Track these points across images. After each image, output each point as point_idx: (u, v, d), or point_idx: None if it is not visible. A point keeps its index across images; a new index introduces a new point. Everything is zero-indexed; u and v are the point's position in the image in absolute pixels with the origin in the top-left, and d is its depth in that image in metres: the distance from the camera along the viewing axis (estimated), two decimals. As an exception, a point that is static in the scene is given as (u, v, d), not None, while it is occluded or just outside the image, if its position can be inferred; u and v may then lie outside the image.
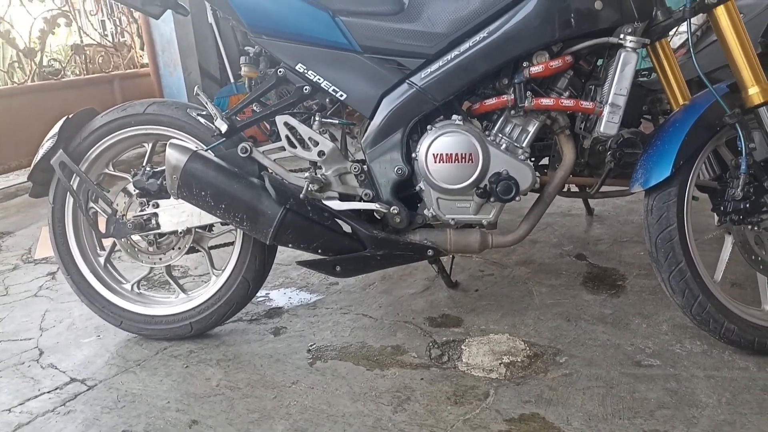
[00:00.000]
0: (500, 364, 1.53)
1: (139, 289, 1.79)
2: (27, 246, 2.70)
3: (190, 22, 4.79)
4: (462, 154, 1.43)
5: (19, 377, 1.62)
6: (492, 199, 1.47)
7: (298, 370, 1.56)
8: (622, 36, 1.37)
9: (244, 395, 1.47)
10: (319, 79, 1.50)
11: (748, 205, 1.42)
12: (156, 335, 1.73)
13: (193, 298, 1.71)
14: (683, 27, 1.45)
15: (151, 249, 1.69)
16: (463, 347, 1.62)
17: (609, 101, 1.40)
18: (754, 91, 1.38)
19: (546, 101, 1.43)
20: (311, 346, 1.67)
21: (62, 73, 4.40)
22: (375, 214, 1.54)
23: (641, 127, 1.95)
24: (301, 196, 1.43)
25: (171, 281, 1.77)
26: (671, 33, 1.71)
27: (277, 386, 1.49)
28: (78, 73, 4.71)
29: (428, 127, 1.47)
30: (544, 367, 1.51)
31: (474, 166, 1.44)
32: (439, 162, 1.44)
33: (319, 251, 1.52)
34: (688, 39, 1.48)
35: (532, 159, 2.12)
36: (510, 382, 1.45)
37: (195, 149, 1.49)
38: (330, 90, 1.50)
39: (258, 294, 1.98)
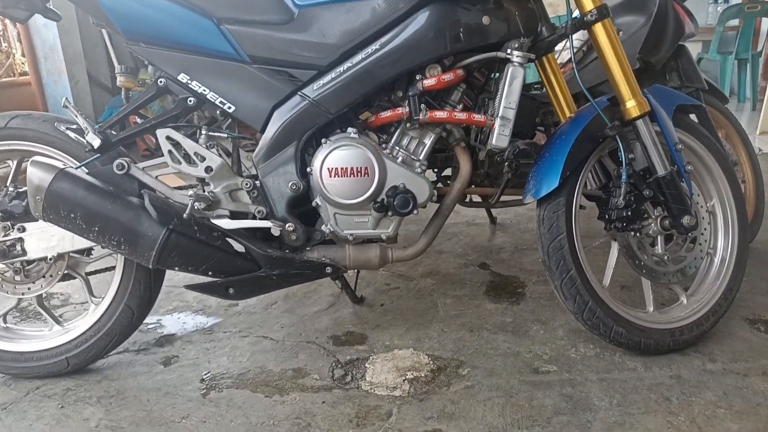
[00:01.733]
0: (404, 380, 1.50)
1: (5, 323, 1.59)
2: None
3: (77, 28, 4.45)
4: (358, 168, 1.40)
5: None
6: (390, 213, 1.44)
7: (189, 403, 1.44)
8: (509, 51, 1.40)
9: (127, 435, 1.34)
10: (204, 90, 1.41)
11: (629, 213, 1.49)
12: (27, 374, 1.55)
13: (70, 330, 1.55)
14: (569, 43, 1.51)
15: (17, 278, 1.51)
16: (367, 365, 1.58)
17: (499, 114, 1.42)
18: (631, 105, 1.45)
19: (440, 114, 1.43)
20: (205, 375, 1.56)
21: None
22: (271, 231, 1.47)
23: (536, 139, 2.02)
24: (185, 215, 1.33)
25: (43, 312, 1.59)
26: (557, 48, 1.78)
27: (165, 422, 1.37)
28: (-54, 81, 4.24)
29: (323, 140, 1.43)
30: (447, 380, 1.50)
31: (370, 179, 1.41)
32: (335, 176, 1.40)
33: (210, 273, 1.42)
34: (571, 55, 1.55)
35: (435, 170, 2.14)
36: (413, 398, 1.43)
37: (62, 167, 1.35)
38: (217, 102, 1.41)
39: (148, 321, 1.84)
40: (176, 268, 1.41)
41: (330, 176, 1.40)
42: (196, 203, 1.36)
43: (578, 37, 2.11)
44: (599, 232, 2.37)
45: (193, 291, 1.46)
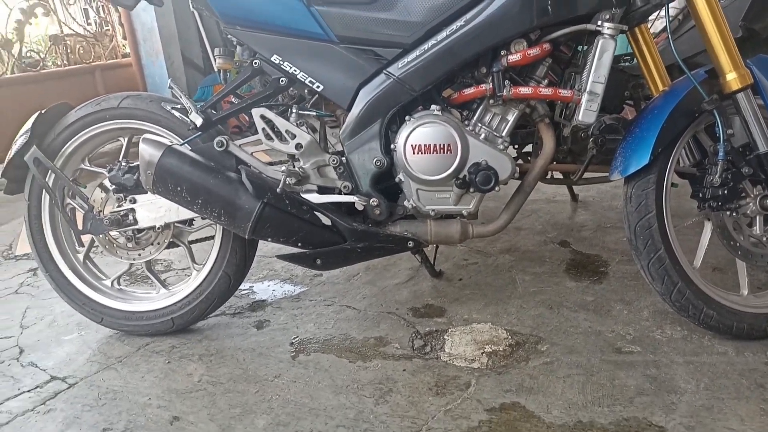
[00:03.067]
0: (482, 353, 1.53)
1: (119, 285, 1.77)
2: (8, 242, 2.67)
3: (172, 11, 4.71)
4: (441, 145, 1.42)
5: None
6: (471, 190, 1.46)
7: (280, 364, 1.55)
8: (599, 23, 1.35)
9: (226, 390, 1.46)
10: (295, 71, 1.47)
11: (726, 192, 1.42)
12: (137, 331, 1.72)
13: (174, 294, 1.70)
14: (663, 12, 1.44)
15: (129, 245, 1.67)
16: (445, 337, 1.63)
17: (587, 89, 1.39)
18: (731, 77, 1.37)
19: (524, 90, 1.42)
20: (294, 339, 1.67)
21: (41, 64, 4.32)
22: (356, 206, 1.53)
23: (624, 113, 1.95)
24: (278, 189, 1.42)
25: (151, 277, 1.75)
26: (650, 18, 1.70)
27: (260, 380, 1.49)
28: (59, 64, 4.64)
29: (407, 117, 1.46)
30: (525, 355, 1.52)
31: (453, 156, 1.43)
32: (418, 153, 1.43)
33: (299, 244, 1.51)
34: (666, 24, 1.47)
35: (516, 146, 2.12)
36: (491, 371, 1.46)
37: (169, 144, 1.47)
38: (306, 81, 1.48)
39: (241, 287, 1.98)
40: (269, 239, 1.50)
41: (413, 153, 1.43)
42: (288, 178, 1.44)
43: (674, 5, 2.00)
44: (691, 211, 2.27)
45: (283, 261, 1.55)
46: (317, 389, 1.44)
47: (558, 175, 2.21)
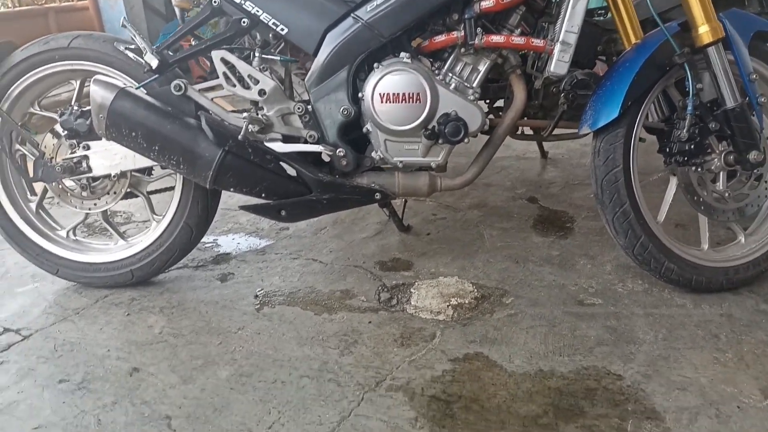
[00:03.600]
0: (448, 306, 1.54)
1: (75, 235, 1.71)
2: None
3: (131, -50, 4.44)
4: (410, 94, 1.38)
5: (-51, 329, 1.54)
6: (440, 141, 1.43)
7: (244, 316, 1.53)
8: (574, -31, 1.31)
9: (187, 342, 1.44)
10: (257, 11, 1.40)
11: (692, 147, 1.42)
12: (95, 283, 1.67)
13: (134, 245, 1.65)
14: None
15: (84, 194, 1.60)
16: (412, 290, 1.62)
17: (560, 39, 1.36)
18: (703, 30, 1.36)
19: (496, 38, 1.38)
20: (259, 291, 1.65)
21: (-12, 4, 4.05)
22: (322, 156, 1.49)
23: (596, 69, 1.93)
24: (240, 137, 1.36)
25: (109, 227, 1.69)
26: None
27: (223, 332, 1.47)
28: (9, 5, 4.35)
29: (375, 65, 1.41)
30: (490, 308, 1.53)
31: (422, 106, 1.39)
32: (386, 102, 1.39)
33: (263, 195, 1.47)
34: (642, -25, 1.44)
35: (487, 101, 2.09)
36: (456, 323, 1.47)
37: (123, 86, 1.39)
38: (270, 23, 1.40)
39: (205, 240, 1.93)
40: (231, 189, 1.46)
41: (381, 102, 1.39)
42: (250, 125, 1.39)
43: (651, -44, 1.95)
44: (657, 167, 2.29)
45: (247, 212, 1.51)
46: (281, 341, 1.42)
47: (528, 131, 2.19)
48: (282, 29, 1.41)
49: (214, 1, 1.42)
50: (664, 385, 1.23)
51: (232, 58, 1.41)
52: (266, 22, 1.40)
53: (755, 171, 1.49)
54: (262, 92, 1.42)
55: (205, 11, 1.44)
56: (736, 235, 1.57)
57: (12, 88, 1.56)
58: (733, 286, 1.53)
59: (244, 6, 1.39)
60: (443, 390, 1.24)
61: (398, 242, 1.91)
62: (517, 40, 1.39)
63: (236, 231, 2.04)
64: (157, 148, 1.38)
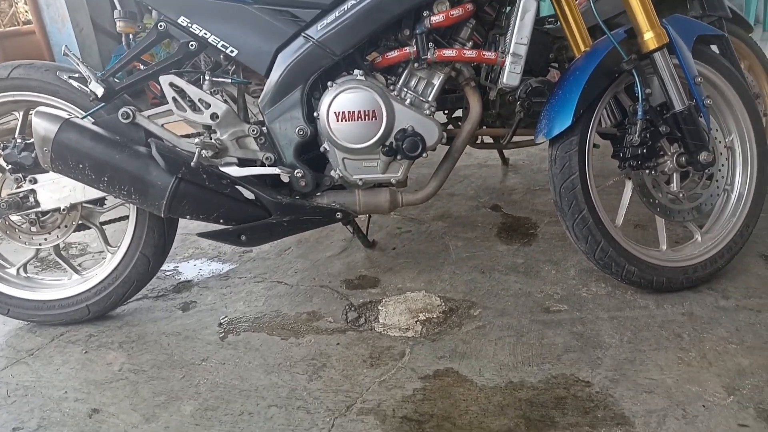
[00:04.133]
0: (416, 321, 1.53)
1: (26, 272, 1.63)
2: None
3: (77, -28, 4.34)
4: (365, 111, 1.37)
5: None
6: (399, 157, 1.42)
7: (208, 346, 1.49)
8: (520, -18, 1.33)
9: (149, 378, 1.38)
10: (206, 34, 1.37)
11: (645, 150, 1.45)
12: (50, 321, 1.60)
13: (88, 279, 1.59)
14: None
15: (33, 229, 1.53)
16: (379, 308, 1.61)
17: (510, 51, 1.37)
18: (648, 36, 1.39)
19: (448, 52, 1.38)
20: (223, 319, 1.60)
21: (-72, 32, 3.89)
22: (280, 178, 1.46)
23: (549, 75, 1.96)
24: (193, 163, 1.32)
25: (61, 262, 1.62)
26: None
27: (186, 365, 1.42)
28: (-50, 32, 4.20)
29: (329, 83, 1.39)
30: (458, 321, 1.52)
31: (378, 123, 1.38)
32: (342, 120, 1.37)
33: (221, 221, 1.43)
34: (586, -16, 1.47)
35: (445, 112, 2.10)
36: (425, 339, 1.45)
37: (67, 117, 1.34)
38: (219, 45, 1.38)
39: (165, 267, 1.88)
40: (188, 217, 1.42)
41: (337, 120, 1.37)
42: (204, 151, 1.35)
43: (595, -35, 1.99)
44: (613, 171, 2.34)
45: (206, 239, 1.47)
46: (248, 370, 1.38)
47: (488, 140, 2.21)
48: (232, 51, 1.38)
49: (160, 25, 1.38)
50: (631, 389, 1.24)
51: (181, 83, 1.38)
52: (215, 44, 1.38)
53: (706, 171, 1.52)
54: (214, 116, 1.38)
55: (151, 35, 1.40)
56: (693, 234, 1.61)
57: (-50, 123, 1.49)
58: (692, 285, 1.56)
59: (191, 29, 1.36)
60: (415, 410, 1.22)
61: (364, 259, 1.89)
62: (469, 53, 1.39)
63: (197, 256, 1.99)
64: (106, 179, 1.33)
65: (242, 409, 1.26)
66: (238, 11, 1.37)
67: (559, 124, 1.42)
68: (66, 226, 1.54)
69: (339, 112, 1.37)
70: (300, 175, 1.43)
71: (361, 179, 1.46)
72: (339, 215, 1.47)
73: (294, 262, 1.90)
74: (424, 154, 1.41)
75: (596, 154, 1.52)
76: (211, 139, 1.40)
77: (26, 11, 4.78)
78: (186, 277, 1.86)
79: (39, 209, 1.48)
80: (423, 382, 1.30)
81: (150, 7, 1.37)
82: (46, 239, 1.55)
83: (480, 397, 1.24)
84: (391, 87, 1.43)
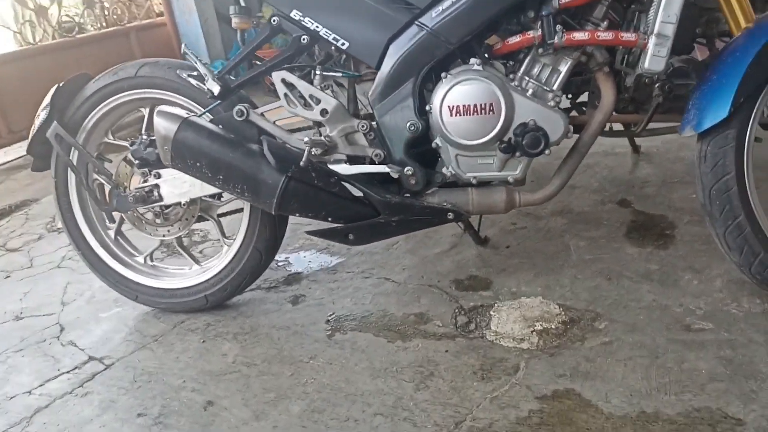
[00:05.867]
0: (532, 332, 1.41)
1: (152, 261, 1.72)
2: (52, 213, 2.69)
3: (203, -36, 4.55)
4: (482, 105, 1.26)
5: (41, 356, 1.60)
6: (518, 154, 1.30)
7: (316, 344, 1.48)
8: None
9: (260, 372, 1.40)
10: (317, 27, 1.33)
11: (824, 147, 1.20)
12: (172, 308, 1.68)
13: (207, 270, 1.64)
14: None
15: (157, 221, 1.61)
16: (491, 313, 1.50)
17: (655, 31, 1.18)
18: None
19: (579, 35, 1.23)
20: (330, 315, 1.59)
21: (76, 29, 4.28)
22: (390, 175, 1.40)
23: (693, 53, 1.70)
24: (302, 163, 1.29)
25: (183, 253, 1.69)
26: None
27: (295, 362, 1.42)
28: (98, 27, 4.60)
29: (443, 74, 1.30)
30: (580, 334, 1.38)
31: (496, 117, 1.26)
32: (456, 115, 1.28)
33: (329, 219, 1.41)
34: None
35: (569, 96, 1.91)
36: (542, 352, 1.33)
37: (186, 116, 1.37)
38: (330, 38, 1.33)
39: (277, 258, 1.90)
40: (297, 214, 1.40)
41: (451, 115, 1.28)
42: (313, 149, 1.32)
43: None
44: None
45: (314, 237, 1.45)
46: (354, 372, 1.36)
47: (618, 127, 1.99)
48: (343, 44, 1.33)
49: (273, 20, 1.36)
50: (796, 434, 1.04)
51: (293, 79, 1.35)
52: (326, 37, 1.33)
53: None
54: (324, 112, 1.35)
55: (264, 31, 1.39)
56: None
57: (86, 121, 1.59)
58: None
59: (303, 22, 1.33)
60: (530, 435, 1.12)
61: (475, 257, 1.79)
62: (604, 35, 1.23)
63: (307, 248, 2.00)
64: (221, 177, 1.35)
65: (348, 414, 1.23)
66: (350, 1, 1.31)
67: (712, 116, 1.21)
68: (186, 219, 1.59)
69: (453, 106, 1.27)
70: (410, 172, 1.36)
71: (475, 177, 1.36)
72: (450, 216, 1.38)
73: (402, 258, 1.84)
74: (546, 151, 1.27)
75: (756, 147, 1.29)
76: (320, 135, 1.37)
77: (159, 3, 5.12)
78: (296, 269, 1.88)
79: (162, 203, 1.54)
80: (540, 403, 1.19)
81: (264, 2, 1.35)
82: (169, 231, 1.61)
83: (606, 428, 1.11)
84: (511, 76, 1.30)
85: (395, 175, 1.37)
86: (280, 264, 1.91)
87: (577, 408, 1.17)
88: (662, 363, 1.25)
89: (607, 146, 2.51)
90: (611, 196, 2.07)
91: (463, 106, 1.26)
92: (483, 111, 1.26)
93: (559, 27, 1.23)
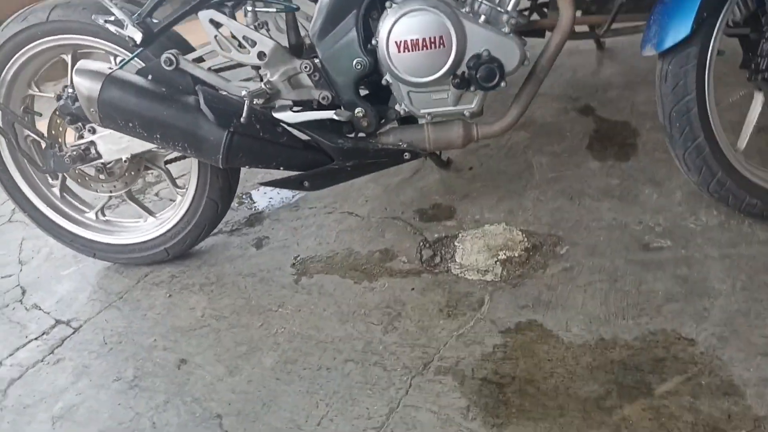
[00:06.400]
0: (496, 261, 1.42)
1: (104, 216, 1.66)
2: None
3: None
4: (431, 39, 1.16)
5: (6, 323, 1.58)
6: (473, 88, 1.22)
7: (283, 290, 1.48)
8: None
9: (230, 325, 1.41)
10: (242, -44, 1.17)
11: (787, 60, 1.16)
12: (133, 262, 1.65)
13: (163, 223, 1.58)
14: None
15: (102, 177, 1.52)
16: (456, 244, 1.51)
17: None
18: None
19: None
20: (296, 258, 1.57)
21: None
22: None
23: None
24: (243, 119, 1.20)
25: (136, 206, 1.63)
26: None
27: (264, 311, 1.43)
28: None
29: (387, 3, 1.18)
30: (543, 261, 1.40)
31: (447, 51, 1.17)
32: (404, 51, 1.18)
33: (282, 168, 1.34)
34: None
35: (526, 11, 1.80)
36: (506, 284, 1.36)
37: (108, 71, 1.24)
38: (258, -31, 1.18)
39: (237, 193, 1.84)
40: (247, 166, 1.34)
41: (399, 51, 1.18)
42: (254, 100, 1.22)
43: None
44: (738, 79, 1.95)
45: (268, 187, 1.39)
46: (323, 318, 1.37)
47: (582, 28, 1.90)
48: (273, -26, 1.19)
49: (192, -51, 1.20)
50: (743, 350, 1.10)
51: (222, 18, 1.22)
52: (254, -33, 1.18)
53: None
54: (261, 55, 1.23)
55: (185, -36, 1.22)
56: (837, 153, 1.33)
57: (2, 75, 1.44)
58: (829, 216, 1.32)
59: (225, -48, 1.17)
60: (495, 370, 1.16)
61: (438, 182, 1.76)
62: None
63: (267, 183, 1.94)
64: (158, 136, 1.25)
65: (320, 363, 1.26)
66: (275, -77, 1.15)
67: (673, 34, 1.15)
68: (133, 173, 1.51)
69: (400, 42, 1.17)
70: (361, 114, 1.28)
71: (429, 113, 1.29)
72: (407, 156, 1.33)
73: (364, 189, 1.80)
74: (501, 84, 1.20)
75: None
76: (260, 80, 1.26)
77: None
78: (257, 207, 1.83)
79: (102, 161, 1.45)
80: (503, 337, 1.23)
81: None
82: (115, 186, 1.54)
83: (567, 357, 1.16)
84: (462, 2, 1.19)
85: (344, 119, 1.29)
86: (242, 202, 1.86)
87: (539, 339, 1.21)
88: (621, 286, 1.28)
89: (571, 46, 2.39)
90: (574, 102, 2.02)
91: (411, 41, 1.16)
92: (432, 45, 1.16)
93: (510, -60, 1.11)
